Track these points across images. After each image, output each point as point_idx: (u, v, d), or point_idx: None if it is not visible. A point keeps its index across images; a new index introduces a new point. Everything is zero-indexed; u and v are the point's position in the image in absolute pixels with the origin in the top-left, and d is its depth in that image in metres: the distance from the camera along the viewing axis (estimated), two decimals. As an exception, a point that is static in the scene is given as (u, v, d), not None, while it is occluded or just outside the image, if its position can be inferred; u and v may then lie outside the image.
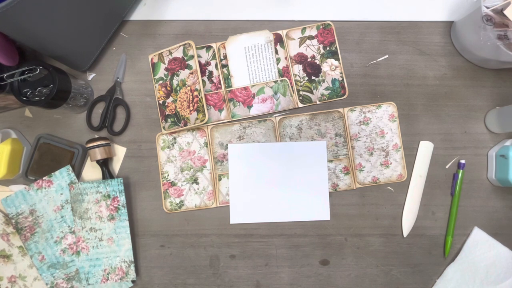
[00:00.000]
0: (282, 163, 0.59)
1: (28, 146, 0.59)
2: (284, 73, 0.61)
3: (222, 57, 0.61)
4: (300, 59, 0.61)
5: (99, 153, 0.56)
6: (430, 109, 0.61)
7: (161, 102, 0.60)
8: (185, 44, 0.59)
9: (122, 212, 0.55)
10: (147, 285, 0.57)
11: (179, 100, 0.59)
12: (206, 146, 0.59)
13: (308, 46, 0.61)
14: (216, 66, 0.61)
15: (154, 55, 0.61)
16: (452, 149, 0.60)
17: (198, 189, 0.59)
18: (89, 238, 0.55)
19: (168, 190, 0.59)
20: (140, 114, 0.60)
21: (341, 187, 0.59)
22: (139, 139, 0.60)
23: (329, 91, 0.61)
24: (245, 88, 0.60)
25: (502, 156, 0.57)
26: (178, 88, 0.59)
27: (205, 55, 0.61)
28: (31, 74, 0.51)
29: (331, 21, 0.62)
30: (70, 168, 0.56)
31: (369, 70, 0.62)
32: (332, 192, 0.59)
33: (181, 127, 0.58)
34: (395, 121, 0.60)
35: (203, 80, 0.60)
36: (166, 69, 0.60)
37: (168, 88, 0.60)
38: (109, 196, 0.55)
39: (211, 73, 0.61)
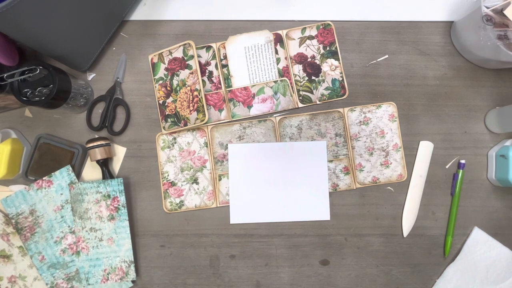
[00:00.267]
0: (282, 163, 0.59)
1: (28, 146, 0.59)
2: (284, 73, 0.61)
3: (222, 57, 0.61)
4: (300, 59, 0.61)
5: (99, 153, 0.56)
6: (430, 109, 0.61)
7: (161, 102, 0.60)
8: (185, 44, 0.59)
9: (122, 212, 0.55)
10: (147, 285, 0.57)
11: (179, 100, 0.59)
12: (206, 146, 0.59)
13: (308, 46, 0.61)
14: (216, 66, 0.61)
15: (154, 55, 0.61)
16: (452, 149, 0.60)
17: (198, 189, 0.59)
18: (89, 238, 0.55)
19: (168, 190, 0.59)
20: (140, 114, 0.60)
21: (341, 187, 0.59)
22: (139, 139, 0.60)
23: (329, 91, 0.61)
24: (245, 88, 0.60)
25: (502, 156, 0.57)
26: (178, 88, 0.59)
27: (205, 55, 0.61)
28: (31, 74, 0.51)
29: (331, 21, 0.62)
30: (70, 168, 0.56)
31: (369, 70, 0.62)
32: (332, 192, 0.59)
33: (181, 127, 0.58)
34: (395, 121, 0.60)
35: (203, 80, 0.60)
36: (166, 69, 0.60)
37: (168, 88, 0.60)
38: (109, 196, 0.55)
39: (211, 73, 0.61)
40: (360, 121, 0.60)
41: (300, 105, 0.60)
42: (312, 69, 0.61)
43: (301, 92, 0.60)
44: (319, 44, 0.62)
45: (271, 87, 0.60)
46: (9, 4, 0.41)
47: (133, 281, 0.57)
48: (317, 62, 0.61)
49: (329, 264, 0.58)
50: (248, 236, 0.59)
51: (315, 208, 0.59)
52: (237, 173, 0.59)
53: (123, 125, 0.59)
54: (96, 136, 0.58)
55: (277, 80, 0.60)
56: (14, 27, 0.45)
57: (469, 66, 0.62)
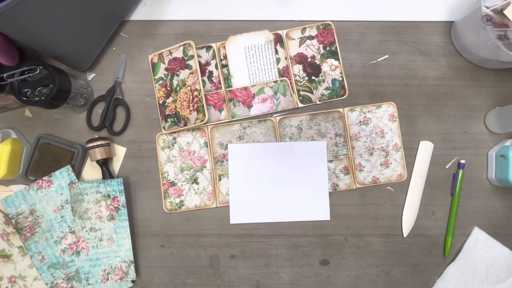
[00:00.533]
0: (282, 163, 0.59)
1: (28, 146, 0.59)
2: (284, 73, 0.61)
3: (222, 57, 0.61)
4: (300, 59, 0.61)
5: (99, 153, 0.56)
6: (430, 109, 0.61)
7: (161, 102, 0.60)
8: (185, 44, 0.59)
9: (122, 212, 0.55)
10: (147, 285, 0.57)
11: (179, 100, 0.59)
12: (206, 146, 0.59)
13: (308, 46, 0.61)
14: (216, 66, 0.61)
15: (154, 55, 0.61)
16: (452, 149, 0.60)
17: (198, 189, 0.59)
18: (89, 238, 0.55)
19: (168, 190, 0.59)
20: (140, 114, 0.60)
21: (341, 187, 0.59)
22: (139, 139, 0.60)
23: (329, 91, 0.61)
24: (245, 88, 0.60)
25: (502, 156, 0.57)
26: (178, 88, 0.59)
27: (205, 55, 0.61)
28: (31, 74, 0.51)
29: (331, 21, 0.62)
30: (70, 168, 0.56)
31: (369, 70, 0.62)
32: (332, 192, 0.59)
33: (181, 127, 0.58)
34: (395, 121, 0.60)
35: (203, 80, 0.60)
36: (166, 69, 0.60)
37: (168, 88, 0.60)
38: (109, 196, 0.55)
39: (211, 73, 0.61)
40: (360, 121, 0.60)
41: (300, 105, 0.60)
42: (312, 69, 0.61)
43: (301, 92, 0.60)
44: (319, 44, 0.62)
45: (271, 87, 0.60)
46: (9, 4, 0.41)
47: (133, 281, 0.57)
48: (317, 62, 0.61)
49: (329, 264, 0.58)
50: (248, 236, 0.59)
51: (315, 208, 0.59)
52: (237, 173, 0.59)
53: (123, 125, 0.59)
54: (96, 136, 0.58)
55: (277, 80, 0.60)
56: (14, 27, 0.45)
57: (469, 66, 0.62)
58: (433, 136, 0.60)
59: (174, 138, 0.60)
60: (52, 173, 0.56)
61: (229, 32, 0.62)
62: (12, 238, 0.56)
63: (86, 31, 0.55)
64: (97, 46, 0.59)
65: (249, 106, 0.60)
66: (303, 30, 0.62)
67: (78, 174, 0.58)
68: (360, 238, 0.59)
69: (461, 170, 0.59)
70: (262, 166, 0.59)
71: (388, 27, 0.62)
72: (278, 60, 0.61)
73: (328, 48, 0.62)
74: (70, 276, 0.55)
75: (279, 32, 0.61)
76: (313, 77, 0.61)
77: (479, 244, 0.58)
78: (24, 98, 0.52)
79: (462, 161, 0.59)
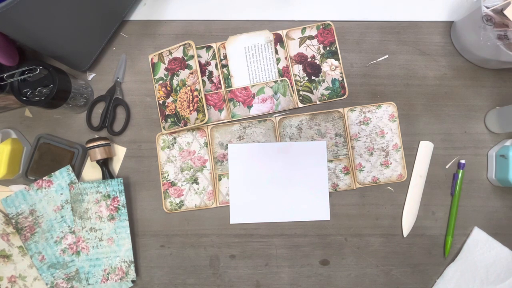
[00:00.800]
0: (282, 163, 0.59)
1: (28, 146, 0.59)
2: (284, 73, 0.61)
3: (222, 57, 0.61)
4: (300, 59, 0.61)
5: (99, 153, 0.56)
6: (430, 109, 0.61)
7: (161, 102, 0.60)
8: (185, 44, 0.59)
9: (122, 212, 0.55)
10: (147, 285, 0.57)
11: (179, 100, 0.59)
12: (206, 146, 0.59)
13: (308, 46, 0.61)
14: (216, 66, 0.61)
15: (154, 55, 0.61)
16: (452, 149, 0.60)
17: (198, 189, 0.59)
18: (89, 238, 0.55)
19: (168, 190, 0.59)
20: (140, 114, 0.60)
21: (341, 187, 0.59)
22: (139, 139, 0.60)
23: (329, 91, 0.61)
24: (245, 88, 0.60)
25: (502, 156, 0.57)
26: (178, 88, 0.59)
27: (205, 55, 0.61)
28: (31, 74, 0.51)
29: (331, 21, 0.62)
30: (70, 168, 0.56)
31: (369, 70, 0.62)
32: (332, 192, 0.59)
33: (181, 127, 0.58)
34: (395, 121, 0.60)
35: (203, 80, 0.60)
36: (166, 69, 0.60)
37: (168, 88, 0.60)
38: (109, 196, 0.55)
39: (211, 73, 0.61)
40: (360, 121, 0.60)
41: (300, 105, 0.60)
42: (312, 69, 0.61)
43: (301, 92, 0.60)
44: (319, 44, 0.62)
45: (271, 87, 0.60)
46: (9, 4, 0.41)
47: (133, 281, 0.57)
48: (317, 62, 0.61)
49: (329, 264, 0.58)
50: (248, 236, 0.59)
51: (315, 208, 0.59)
52: (237, 173, 0.59)
53: (123, 125, 0.59)
54: (96, 136, 0.58)
55: (277, 80, 0.60)
56: (14, 27, 0.45)
57: (469, 66, 0.62)
58: (433, 136, 0.60)
59: (174, 138, 0.60)
60: (52, 173, 0.56)
61: (229, 32, 0.62)
62: (12, 238, 0.56)
63: (86, 31, 0.55)
64: (97, 46, 0.59)
65: (249, 106, 0.60)
66: (303, 30, 0.62)
67: (78, 174, 0.58)
68: (360, 238, 0.59)
69: (461, 170, 0.59)
70: (262, 166, 0.59)
71: (388, 27, 0.62)
72: (278, 60, 0.61)
73: (328, 48, 0.62)
74: (70, 276, 0.55)
75: (279, 32, 0.61)
76: (313, 77, 0.61)
77: (479, 244, 0.58)
78: (24, 98, 0.52)
79: (462, 161, 0.59)
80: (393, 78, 0.61)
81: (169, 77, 0.60)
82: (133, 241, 0.57)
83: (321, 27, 0.62)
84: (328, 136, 0.60)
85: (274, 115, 0.60)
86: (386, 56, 0.62)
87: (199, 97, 0.57)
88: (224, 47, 0.61)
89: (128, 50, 0.61)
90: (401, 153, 0.60)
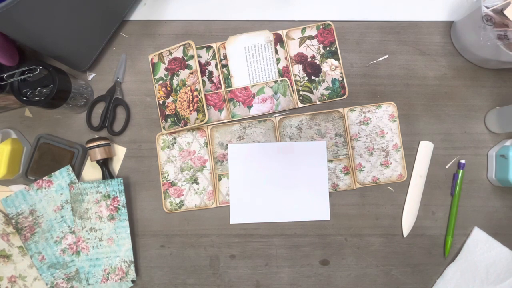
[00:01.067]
0: (282, 163, 0.59)
1: (28, 146, 0.59)
2: (284, 73, 0.61)
3: (222, 57, 0.61)
4: (300, 59, 0.61)
5: (99, 153, 0.56)
6: (430, 109, 0.61)
7: (161, 102, 0.60)
8: (185, 44, 0.59)
9: (122, 212, 0.55)
10: (147, 285, 0.57)
11: (179, 100, 0.59)
12: (206, 146, 0.59)
13: (308, 46, 0.61)
14: (216, 66, 0.61)
15: (154, 55, 0.61)
16: (452, 149, 0.60)
17: (198, 189, 0.59)
18: (89, 238, 0.55)
19: (168, 190, 0.59)
20: (140, 114, 0.60)
21: (341, 187, 0.59)
22: (139, 139, 0.60)
23: (329, 91, 0.61)
24: (245, 88, 0.60)
25: (502, 156, 0.57)
26: (178, 88, 0.59)
27: (205, 55, 0.61)
28: (31, 74, 0.51)
29: (331, 21, 0.62)
30: (70, 168, 0.56)
31: (369, 70, 0.62)
32: (332, 192, 0.59)
33: (181, 127, 0.58)
34: (395, 121, 0.60)
35: (203, 80, 0.60)
36: (166, 69, 0.60)
37: (168, 88, 0.60)
38: (109, 196, 0.55)
39: (211, 73, 0.61)
40: (360, 121, 0.60)
41: (300, 105, 0.60)
42: (312, 69, 0.61)
43: (301, 92, 0.60)
44: (319, 44, 0.62)
45: (271, 87, 0.60)
46: (9, 4, 0.41)
47: (133, 281, 0.57)
48: (317, 62, 0.61)
49: (329, 264, 0.58)
50: (248, 236, 0.59)
51: (315, 208, 0.59)
52: (237, 173, 0.59)
53: (123, 125, 0.59)
54: (96, 136, 0.58)
55: (277, 80, 0.60)
56: (14, 27, 0.45)
57: (469, 66, 0.62)
58: (433, 136, 0.60)
59: (174, 138, 0.60)
60: (52, 173, 0.56)
61: (229, 32, 0.62)
62: (12, 238, 0.56)
63: (86, 31, 0.55)
64: (97, 46, 0.59)
65: (249, 106, 0.60)
66: (303, 30, 0.62)
67: (78, 174, 0.58)
68: (360, 238, 0.59)
69: (461, 170, 0.59)
70: (262, 166, 0.59)
71: (388, 27, 0.62)
72: (278, 60, 0.61)
73: (328, 48, 0.62)
74: (70, 276, 0.55)
75: (279, 32, 0.61)
76: (313, 77, 0.61)
77: (479, 244, 0.58)
78: (24, 98, 0.52)
79: (462, 161, 0.59)
80: (393, 78, 0.61)
81: (169, 77, 0.60)
82: (133, 241, 0.57)
83: (321, 27, 0.62)
84: (328, 136, 0.60)
85: (274, 115, 0.60)
86: (386, 56, 0.62)
87: (199, 97, 0.57)
88: (224, 47, 0.61)
89: (128, 50, 0.61)
90: (401, 153, 0.60)
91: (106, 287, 0.56)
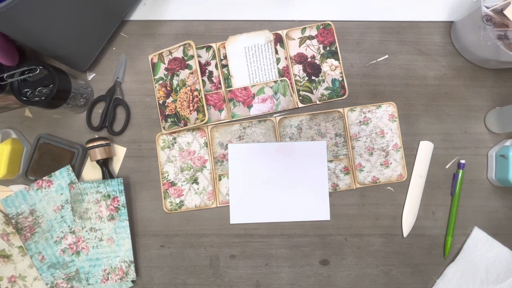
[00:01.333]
0: (282, 163, 0.59)
1: (28, 146, 0.59)
2: (284, 73, 0.61)
3: (222, 57, 0.61)
4: (300, 59, 0.61)
5: (99, 153, 0.56)
6: (430, 109, 0.61)
7: (161, 102, 0.60)
8: (185, 44, 0.59)
9: (122, 212, 0.55)
10: (147, 285, 0.57)
11: (179, 100, 0.59)
12: (206, 146, 0.59)
13: (308, 46, 0.61)
14: (216, 66, 0.61)
15: (154, 55, 0.61)
16: (452, 149, 0.60)
17: (198, 189, 0.59)
18: (89, 238, 0.55)
19: (168, 190, 0.59)
20: (140, 114, 0.60)
21: (341, 187, 0.59)
22: (139, 139, 0.60)
23: (329, 91, 0.61)
24: (245, 88, 0.60)
25: (502, 156, 0.57)
26: (178, 88, 0.59)
27: (205, 55, 0.61)
28: (31, 74, 0.51)
29: (331, 21, 0.62)
30: (70, 168, 0.56)
31: (369, 70, 0.62)
32: (332, 192, 0.59)
33: (181, 127, 0.58)
34: (395, 121, 0.60)
35: (203, 80, 0.60)
36: (166, 69, 0.60)
37: (168, 88, 0.60)
38: (109, 196, 0.55)
39: (211, 73, 0.61)
40: (360, 121, 0.60)
41: (300, 105, 0.60)
42: (312, 69, 0.61)
43: (301, 92, 0.60)
44: (319, 44, 0.62)
45: (271, 87, 0.60)
46: (9, 4, 0.41)
47: (133, 281, 0.57)
48: (317, 62, 0.61)
49: (329, 264, 0.58)
50: (248, 236, 0.59)
51: (315, 208, 0.59)
52: (237, 173, 0.59)
53: (123, 125, 0.59)
54: (96, 136, 0.58)
55: (277, 80, 0.60)
56: (14, 27, 0.45)
57: (469, 66, 0.62)
58: (433, 136, 0.60)
59: (174, 138, 0.60)
60: (52, 173, 0.56)
61: (229, 32, 0.62)
62: (12, 238, 0.56)
63: (86, 31, 0.55)
64: (97, 46, 0.59)
65: (249, 106, 0.60)
66: (303, 30, 0.62)
67: (78, 174, 0.58)
68: (360, 238, 0.59)
69: (461, 170, 0.59)
70: (262, 166, 0.59)
71: (388, 27, 0.62)
72: (278, 60, 0.61)
73: (328, 48, 0.62)
74: (70, 276, 0.55)
75: (279, 32, 0.61)
76: (313, 77, 0.61)
77: (479, 244, 0.58)
78: (24, 98, 0.52)
79: (462, 161, 0.59)
80: (393, 78, 0.61)
81: (169, 77, 0.60)
82: (133, 241, 0.57)
83: (321, 27, 0.62)
84: (328, 136, 0.60)
85: (274, 115, 0.60)
86: (386, 56, 0.62)
87: (199, 97, 0.57)
88: (224, 47, 0.61)
89: (128, 50, 0.61)
90: (401, 153, 0.60)
91: (106, 287, 0.56)
